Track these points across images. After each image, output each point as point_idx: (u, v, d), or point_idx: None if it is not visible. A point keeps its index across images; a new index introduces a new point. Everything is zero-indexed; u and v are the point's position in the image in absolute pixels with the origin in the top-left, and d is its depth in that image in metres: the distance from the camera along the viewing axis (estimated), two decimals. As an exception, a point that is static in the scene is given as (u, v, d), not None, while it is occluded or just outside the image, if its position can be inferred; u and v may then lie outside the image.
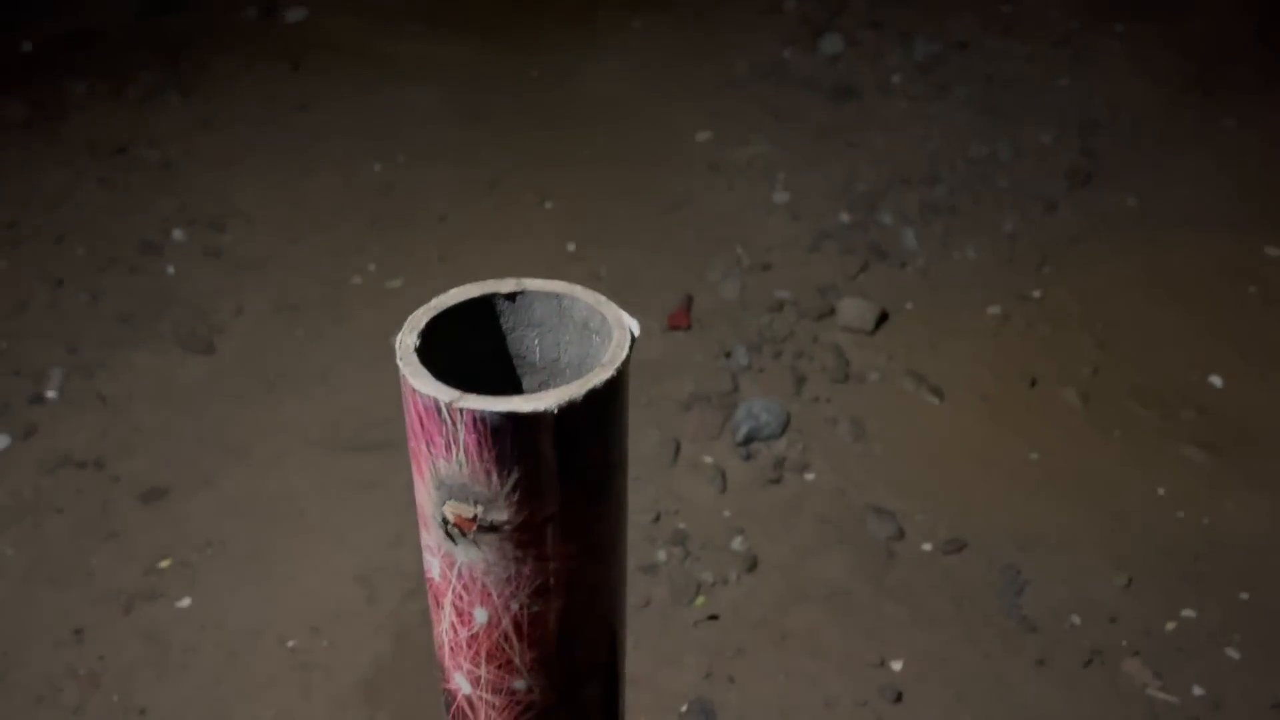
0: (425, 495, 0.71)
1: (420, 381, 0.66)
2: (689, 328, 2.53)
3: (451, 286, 0.76)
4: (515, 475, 0.67)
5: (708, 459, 2.17)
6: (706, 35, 3.91)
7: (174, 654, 1.78)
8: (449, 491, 0.69)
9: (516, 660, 0.78)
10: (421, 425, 0.68)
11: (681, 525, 2.01)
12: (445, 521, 0.71)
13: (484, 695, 0.81)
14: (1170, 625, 1.85)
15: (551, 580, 0.74)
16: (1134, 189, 3.07)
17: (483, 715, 0.83)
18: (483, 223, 2.94)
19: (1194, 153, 3.23)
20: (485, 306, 0.78)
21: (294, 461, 2.18)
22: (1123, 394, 2.37)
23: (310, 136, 3.33)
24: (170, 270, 2.73)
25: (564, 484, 0.69)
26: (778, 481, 2.12)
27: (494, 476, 0.67)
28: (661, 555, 1.95)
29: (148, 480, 2.12)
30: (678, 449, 2.18)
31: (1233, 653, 1.80)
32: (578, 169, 3.19)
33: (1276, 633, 1.84)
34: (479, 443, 0.66)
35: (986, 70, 3.64)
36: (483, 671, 0.80)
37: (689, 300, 2.60)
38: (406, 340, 0.71)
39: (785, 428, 2.22)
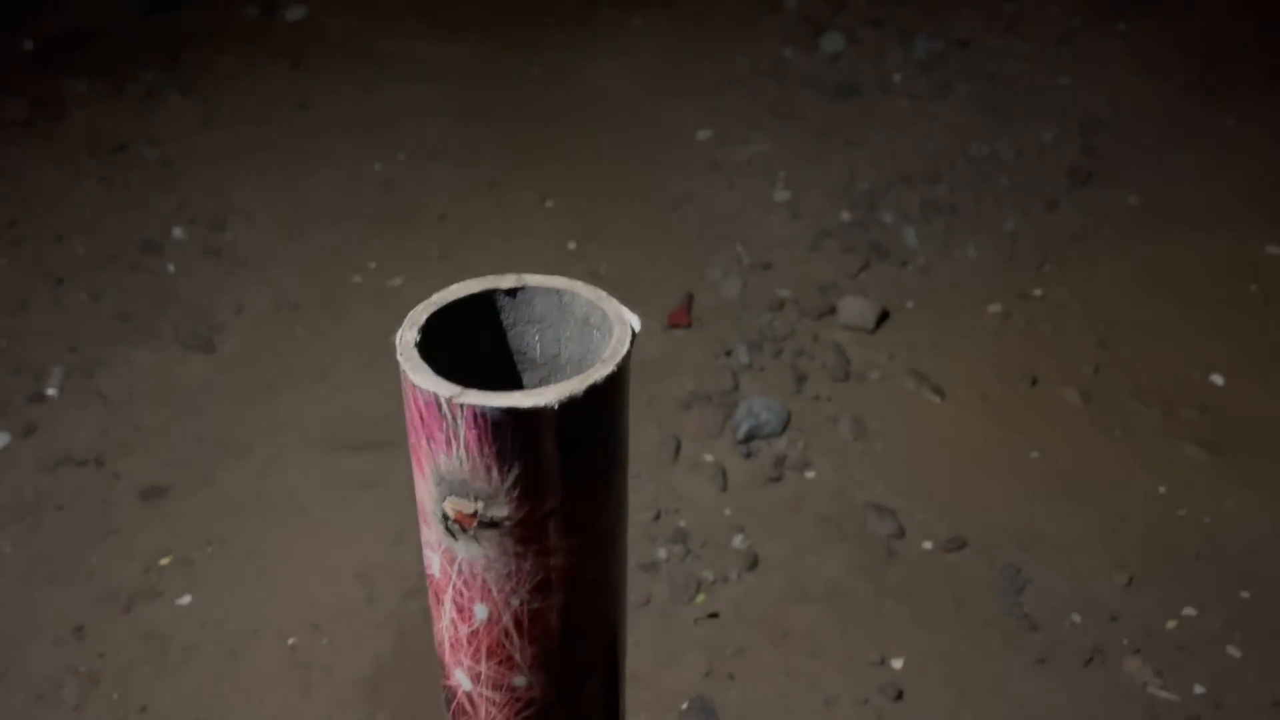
0: (425, 491, 0.71)
1: (420, 377, 0.66)
2: (689, 326, 2.52)
3: (450, 285, 0.76)
4: (516, 471, 0.67)
5: (708, 457, 2.16)
6: (707, 33, 3.91)
7: (174, 652, 1.78)
8: (449, 487, 0.69)
9: (517, 657, 0.78)
10: (422, 421, 0.68)
11: (682, 523, 2.01)
12: (445, 517, 0.71)
13: (484, 692, 0.81)
14: (1171, 624, 1.84)
15: (552, 576, 0.74)
16: (1135, 187, 3.07)
17: (483, 712, 0.83)
18: (483, 221, 2.94)
19: (1195, 151, 3.23)
20: (486, 302, 0.78)
21: (294, 460, 2.18)
22: (1124, 393, 2.37)
23: (310, 135, 3.33)
24: (170, 269, 2.73)
25: (565, 480, 0.69)
26: (778, 480, 2.12)
27: (494, 472, 0.67)
28: (662, 553, 1.95)
29: (148, 478, 2.12)
30: (678, 447, 2.18)
31: (1234, 651, 1.80)
32: (578, 167, 3.18)
33: (1278, 631, 1.84)
34: (479, 438, 0.66)
35: (988, 68, 3.63)
36: (483, 668, 0.79)
37: (689, 298, 2.60)
38: (407, 336, 0.70)
39: (786, 426, 2.22)
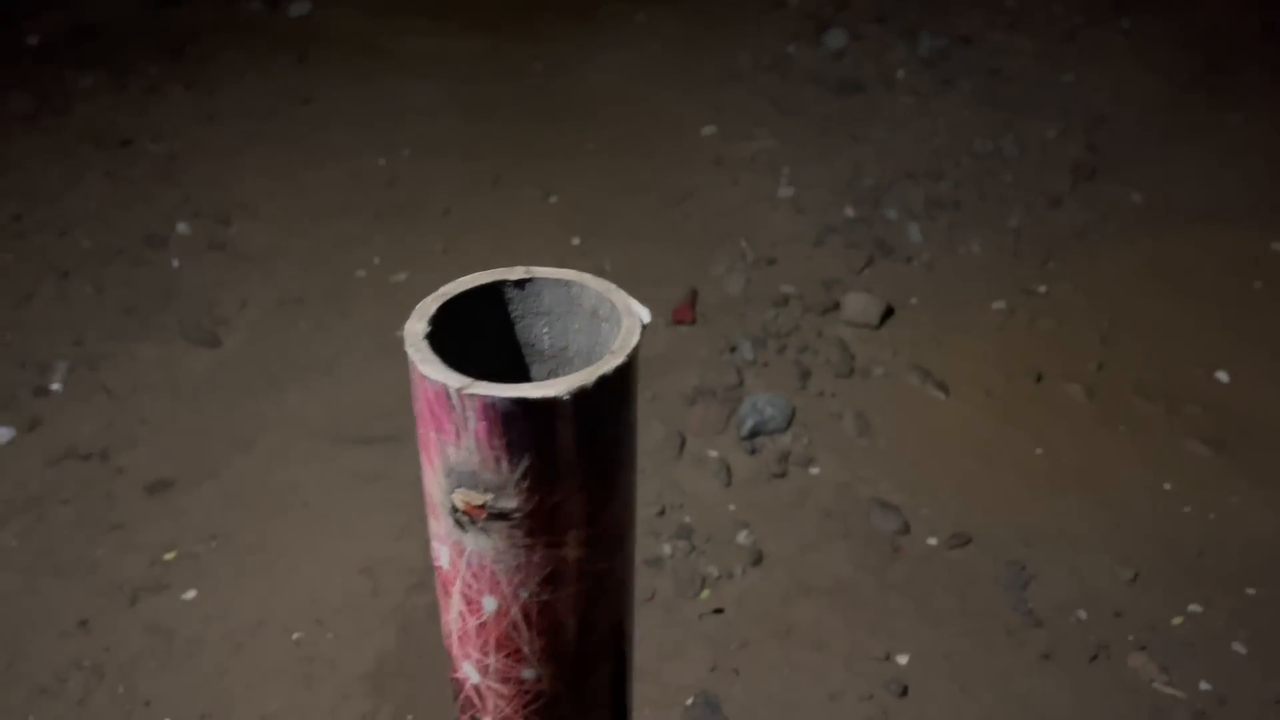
0: (434, 483, 0.71)
1: (430, 368, 0.66)
2: (693, 322, 2.52)
3: (459, 278, 0.76)
4: (525, 462, 0.67)
5: (712, 453, 2.16)
6: (710, 29, 3.90)
7: (179, 646, 1.78)
8: (458, 479, 0.69)
9: (525, 649, 0.78)
10: (431, 412, 0.68)
11: (686, 519, 2.01)
12: (454, 509, 0.71)
13: (492, 684, 0.81)
14: (1176, 620, 1.84)
15: (561, 568, 0.74)
16: (1139, 184, 3.06)
17: (491, 704, 0.83)
18: (487, 216, 2.94)
19: (1199, 148, 3.22)
20: (494, 295, 0.78)
21: (298, 454, 2.18)
22: (1128, 389, 2.37)
23: (314, 129, 3.33)
24: (175, 263, 2.73)
25: (574, 471, 0.69)
26: (782, 476, 2.12)
27: (504, 463, 0.67)
28: (666, 549, 1.95)
29: (152, 472, 2.12)
30: (683, 443, 2.18)
31: (1239, 648, 1.80)
32: (582, 162, 3.18)
33: (1282, 628, 1.84)
34: (489, 429, 0.65)
35: (991, 65, 3.63)
36: (491, 660, 0.79)
37: (694, 294, 2.60)
38: (416, 327, 0.70)
39: (790, 422, 2.22)
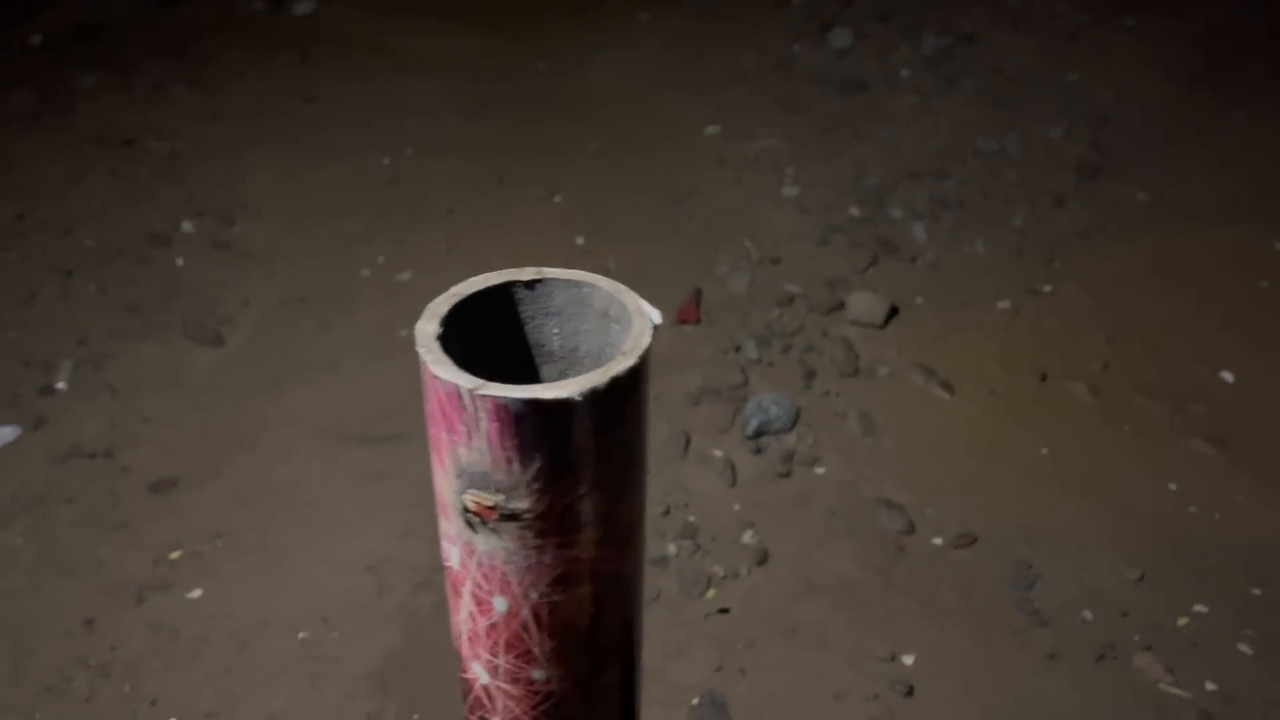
0: (445, 483, 0.71)
1: (442, 369, 0.66)
2: (698, 321, 2.52)
3: (461, 279, 0.76)
4: (537, 463, 0.67)
5: (717, 452, 2.16)
6: (714, 28, 3.90)
7: (184, 645, 1.78)
8: (469, 480, 0.68)
9: (535, 650, 0.78)
10: (443, 413, 0.67)
11: (691, 518, 2.01)
12: (465, 510, 0.70)
13: (502, 684, 0.81)
14: (1182, 620, 1.84)
15: (572, 569, 0.73)
16: (1143, 183, 3.06)
17: (500, 705, 0.83)
18: (491, 215, 2.94)
19: (1203, 147, 3.22)
20: (504, 295, 0.78)
21: (302, 453, 2.18)
22: (1133, 389, 2.36)
23: (318, 129, 3.33)
24: (179, 262, 2.73)
25: (586, 472, 0.69)
26: (787, 475, 2.11)
27: (515, 464, 0.67)
28: (672, 548, 1.95)
29: (157, 471, 2.12)
30: (687, 442, 2.18)
31: (1245, 648, 1.80)
32: (585, 162, 3.18)
33: (1288, 628, 1.84)
34: (501, 430, 0.65)
35: (995, 64, 3.63)
36: (501, 661, 0.79)
37: (698, 294, 2.60)
38: (427, 328, 0.70)
39: (795, 422, 2.22)
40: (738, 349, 2.42)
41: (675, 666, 1.74)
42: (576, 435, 0.67)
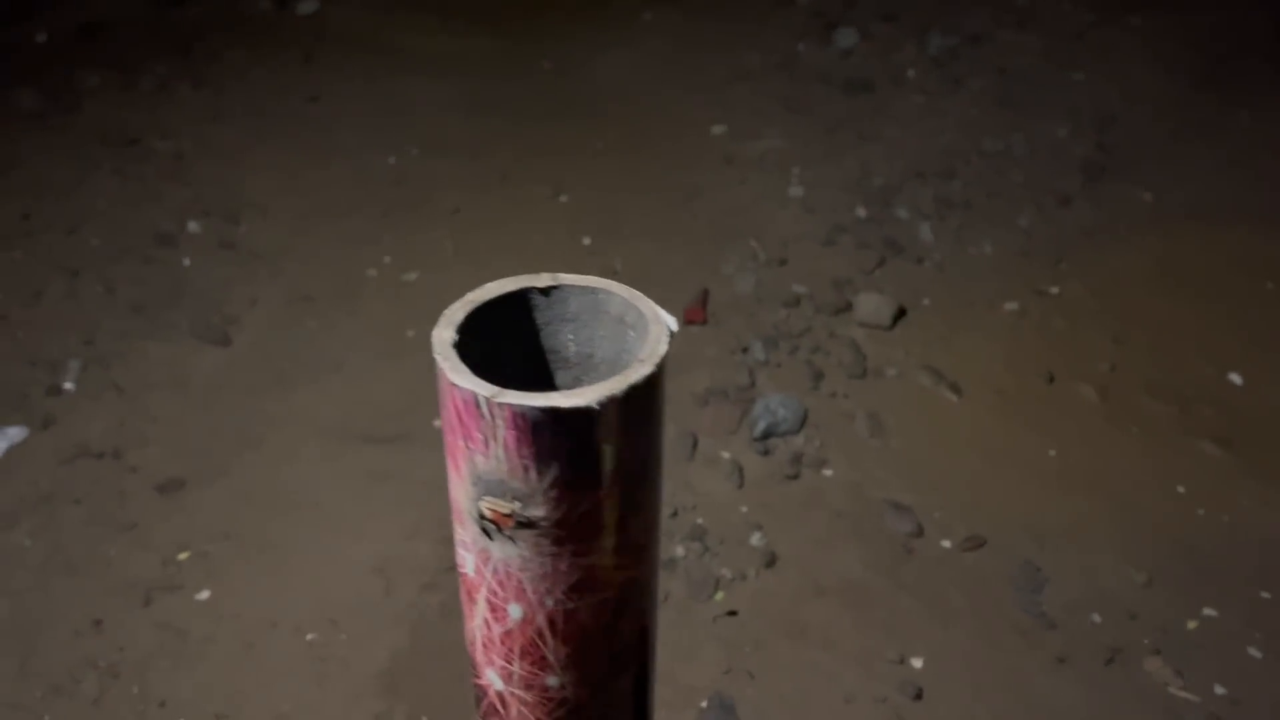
0: (461, 490, 0.71)
1: (459, 376, 0.66)
2: (705, 322, 2.52)
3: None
4: (554, 471, 0.66)
5: (725, 454, 2.16)
6: (718, 27, 3.90)
7: (192, 645, 1.78)
8: (486, 487, 0.68)
9: (550, 657, 0.78)
10: (460, 420, 0.67)
11: (699, 520, 2.01)
12: (482, 517, 0.70)
13: (516, 691, 0.81)
14: (1191, 624, 1.84)
15: (587, 576, 0.73)
16: (1149, 183, 3.05)
17: (514, 711, 0.83)
18: (496, 215, 2.94)
19: (1209, 146, 3.21)
20: (520, 301, 0.78)
21: (309, 453, 2.18)
22: (1140, 390, 2.36)
23: (322, 128, 3.33)
24: (185, 261, 2.73)
25: (602, 480, 0.69)
26: (795, 477, 2.11)
27: (532, 472, 0.66)
28: (680, 550, 1.95)
29: (164, 471, 2.12)
30: (695, 444, 2.18)
31: (1254, 652, 1.79)
32: (590, 161, 3.18)
33: (1297, 631, 1.84)
34: (519, 438, 0.65)
35: (1001, 64, 3.62)
36: (515, 667, 0.79)
37: (705, 294, 2.60)
38: (444, 335, 0.70)
39: (803, 423, 2.22)
40: (745, 350, 2.42)
41: (684, 669, 1.74)
42: (594, 443, 0.66)
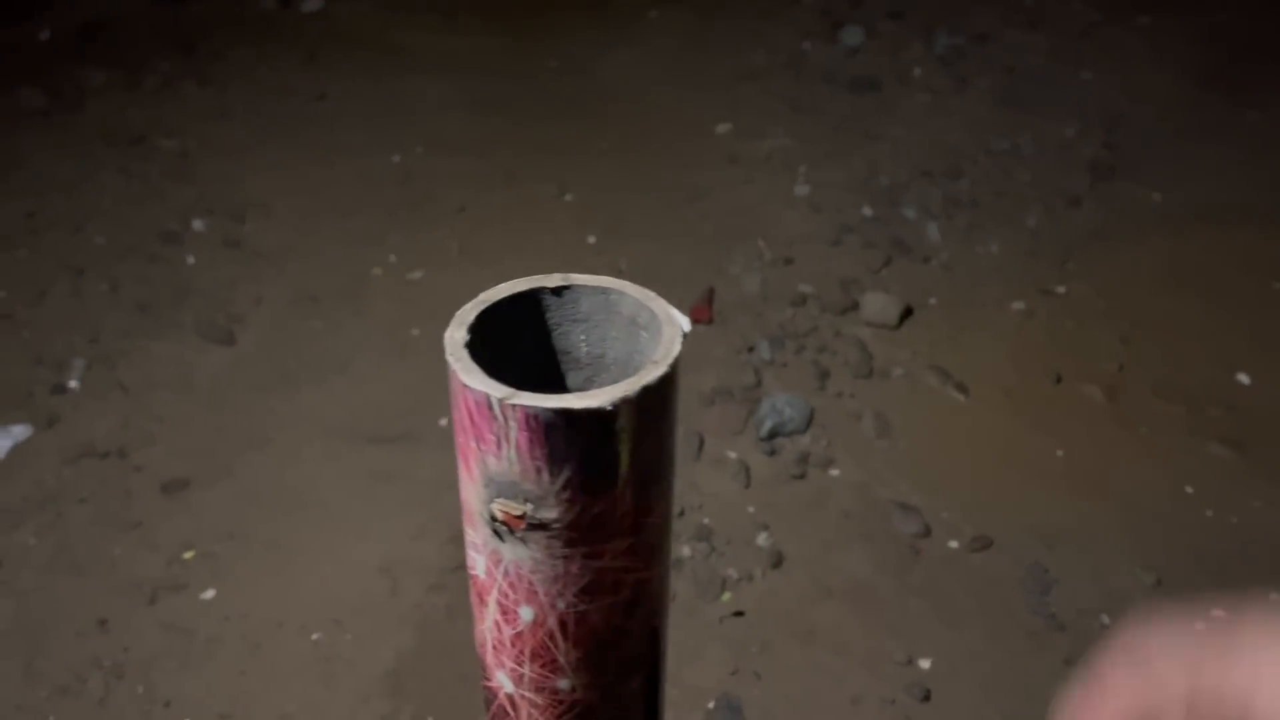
0: (473, 492, 0.70)
1: (471, 378, 0.65)
2: (710, 321, 2.51)
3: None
4: (567, 473, 0.66)
5: (731, 454, 2.15)
6: (724, 26, 3.89)
7: (198, 645, 1.78)
8: (498, 489, 0.68)
9: (561, 659, 0.77)
10: (472, 421, 0.67)
11: (706, 520, 2.00)
12: (493, 519, 0.70)
13: (526, 694, 0.80)
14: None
15: (600, 578, 0.73)
16: (1158, 183, 3.04)
17: (525, 714, 0.82)
18: (502, 214, 2.93)
19: (1217, 146, 3.20)
20: (530, 301, 0.77)
21: (314, 453, 2.18)
22: (1148, 391, 2.35)
23: (327, 127, 3.32)
24: (190, 260, 2.73)
25: (615, 482, 0.68)
26: (802, 477, 2.10)
27: (545, 474, 0.66)
28: (686, 551, 1.94)
29: (169, 470, 2.12)
30: (701, 444, 2.17)
31: (1263, 653, 1.78)
32: (596, 160, 3.17)
33: (1307, 633, 1.82)
34: (531, 440, 0.64)
35: (1008, 63, 3.61)
36: (526, 670, 0.78)
37: (710, 293, 2.59)
38: (456, 335, 0.69)
39: (809, 423, 2.21)
40: (751, 349, 2.41)
41: (690, 670, 1.74)
42: (607, 445, 0.66)
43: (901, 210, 2.91)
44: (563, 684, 0.78)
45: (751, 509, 2.03)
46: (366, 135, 3.27)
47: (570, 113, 3.41)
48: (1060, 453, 2.19)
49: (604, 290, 0.77)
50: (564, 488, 0.66)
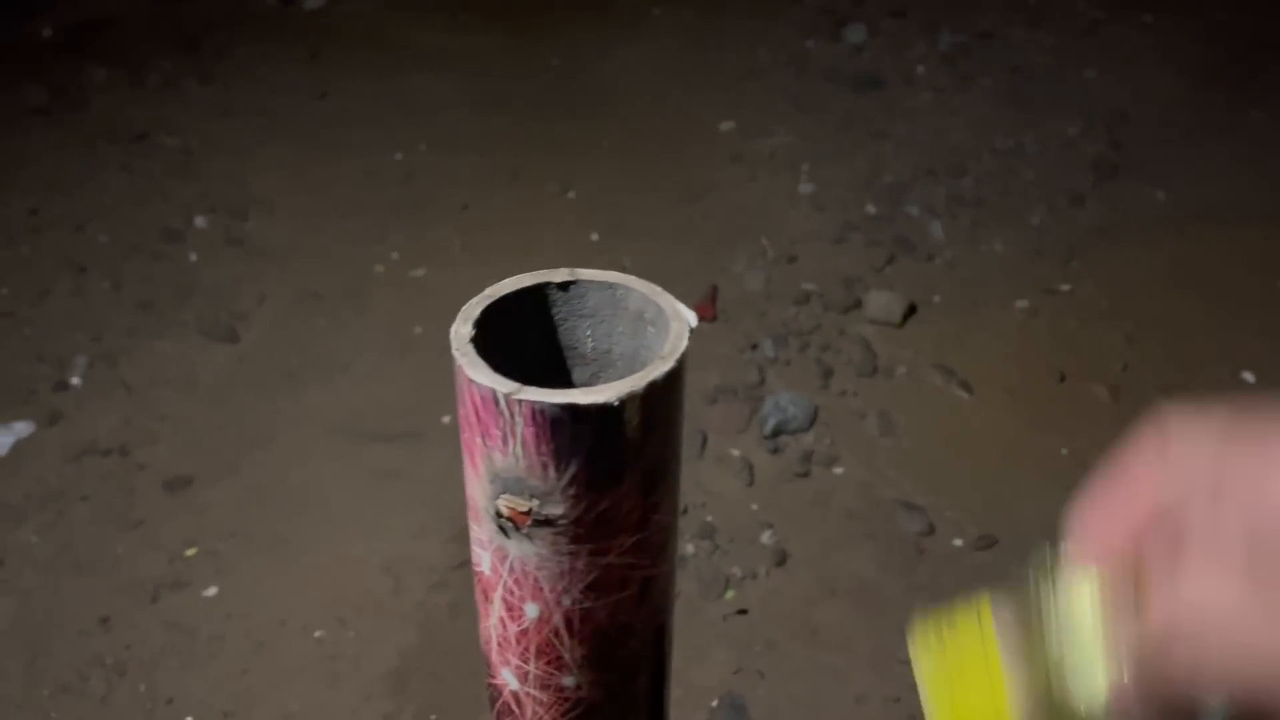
0: (478, 488, 0.70)
1: (478, 373, 0.65)
2: (714, 319, 2.51)
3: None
4: (573, 469, 0.65)
5: (735, 452, 2.15)
6: (727, 24, 3.88)
7: (200, 643, 1.77)
8: (504, 485, 0.67)
9: (566, 656, 0.77)
10: (478, 417, 0.66)
11: (709, 518, 2.00)
12: (499, 515, 0.69)
13: (532, 691, 0.80)
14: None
15: (605, 575, 0.72)
16: (1161, 181, 3.04)
17: (530, 711, 0.82)
18: (505, 212, 2.93)
19: (1222, 145, 3.20)
20: (537, 296, 0.77)
21: (317, 451, 2.17)
22: (1153, 389, 2.34)
23: (330, 125, 3.32)
24: (192, 258, 2.73)
25: (621, 478, 0.68)
26: (805, 475, 2.10)
27: (551, 470, 0.65)
28: (690, 549, 1.94)
29: (172, 468, 2.12)
30: (704, 441, 2.17)
31: (1269, 652, 1.78)
32: (599, 158, 3.17)
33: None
34: (537, 435, 0.64)
35: (1012, 61, 3.60)
36: (531, 667, 0.78)
37: (714, 291, 2.59)
38: (462, 330, 0.69)
39: (813, 421, 2.21)
40: (754, 347, 2.41)
41: (694, 668, 1.73)
42: (613, 441, 0.65)
43: (905, 208, 2.91)
44: (568, 681, 0.77)
45: (755, 507, 2.03)
46: (369, 133, 3.26)
47: (573, 111, 3.41)
48: (1064, 451, 2.19)
49: (610, 285, 0.76)
50: (570, 484, 0.66)
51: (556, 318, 0.78)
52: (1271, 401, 0.47)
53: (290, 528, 2.00)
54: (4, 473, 2.10)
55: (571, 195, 3.00)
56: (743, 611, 1.83)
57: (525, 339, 0.77)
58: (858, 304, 2.54)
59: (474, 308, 0.71)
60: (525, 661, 0.77)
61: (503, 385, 0.63)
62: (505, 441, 0.65)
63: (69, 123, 3.28)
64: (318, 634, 1.79)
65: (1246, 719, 0.45)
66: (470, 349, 0.67)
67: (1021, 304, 2.58)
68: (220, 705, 1.68)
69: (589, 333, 0.78)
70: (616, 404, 0.63)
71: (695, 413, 2.23)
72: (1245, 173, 3.08)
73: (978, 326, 2.51)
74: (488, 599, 0.77)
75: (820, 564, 1.93)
